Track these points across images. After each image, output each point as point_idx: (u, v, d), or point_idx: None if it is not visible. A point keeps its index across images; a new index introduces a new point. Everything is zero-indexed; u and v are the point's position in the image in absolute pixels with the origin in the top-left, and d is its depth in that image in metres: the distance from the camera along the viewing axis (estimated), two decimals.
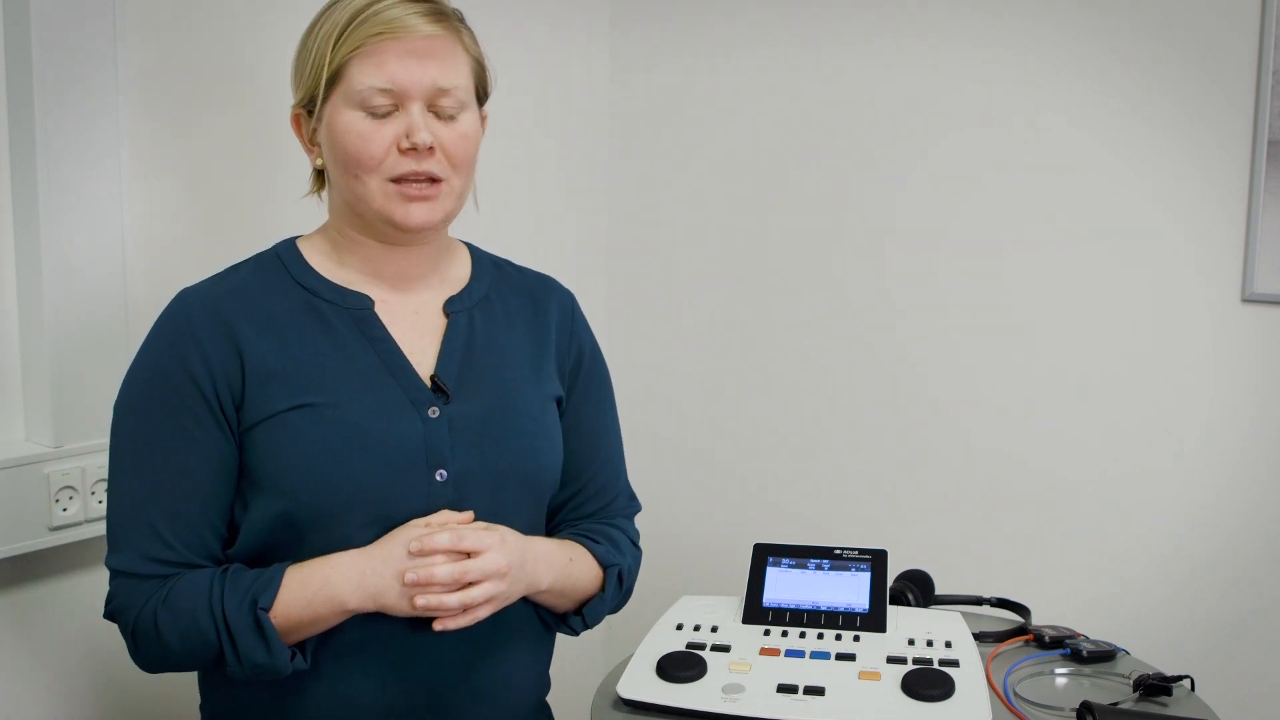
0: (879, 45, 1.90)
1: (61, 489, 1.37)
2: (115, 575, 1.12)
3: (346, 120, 1.11)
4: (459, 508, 1.14)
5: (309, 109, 1.15)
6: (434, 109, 1.13)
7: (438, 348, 1.19)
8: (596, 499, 1.31)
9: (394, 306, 1.19)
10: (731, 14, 2.03)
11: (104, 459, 1.39)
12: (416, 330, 1.19)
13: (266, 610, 1.06)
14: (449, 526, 1.10)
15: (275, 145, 1.52)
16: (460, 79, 1.14)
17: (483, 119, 1.22)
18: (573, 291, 1.35)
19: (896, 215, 1.92)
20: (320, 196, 1.23)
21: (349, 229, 1.18)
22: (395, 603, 1.08)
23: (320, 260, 1.19)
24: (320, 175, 1.20)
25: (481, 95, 1.21)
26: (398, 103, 1.11)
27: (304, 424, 1.10)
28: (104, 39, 1.36)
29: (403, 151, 1.11)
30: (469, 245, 1.30)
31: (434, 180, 1.13)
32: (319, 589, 1.07)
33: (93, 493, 1.39)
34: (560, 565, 1.20)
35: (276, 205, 1.50)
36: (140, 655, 1.12)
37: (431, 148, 1.12)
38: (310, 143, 1.18)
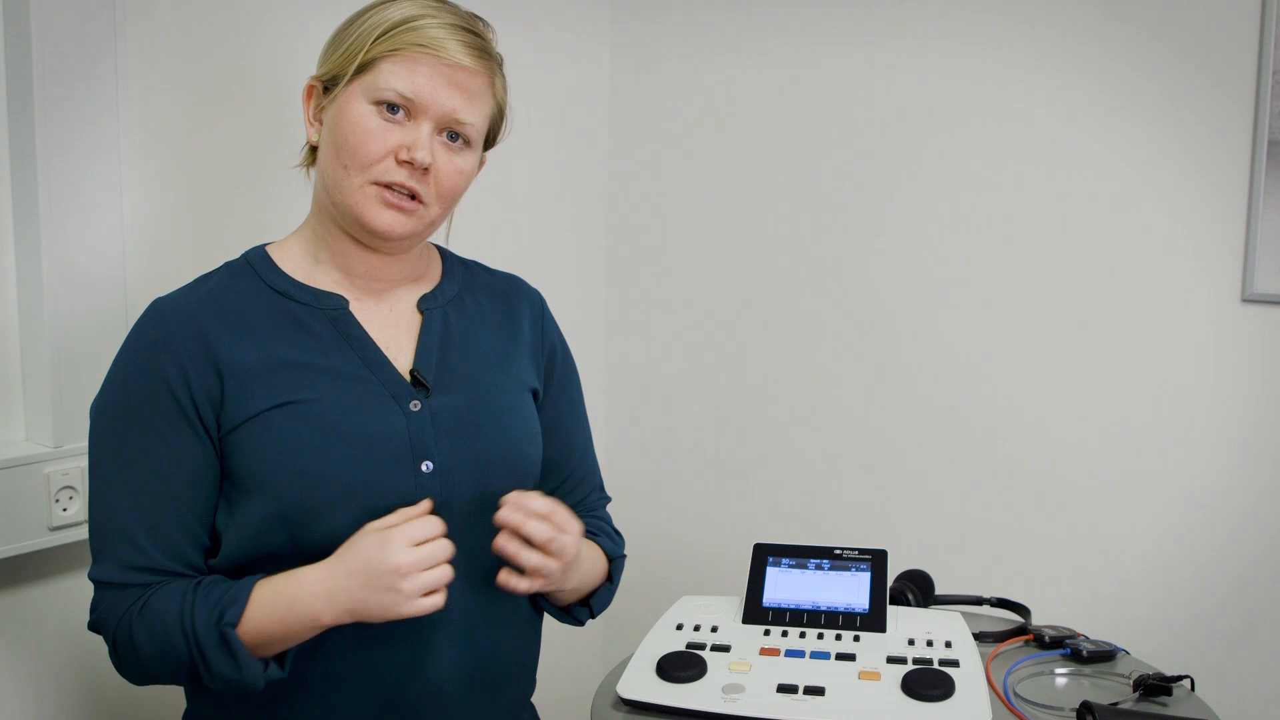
0: (878, 45, 1.90)
1: (61, 489, 1.37)
2: (98, 586, 1.11)
3: (359, 111, 1.12)
4: (446, 498, 1.14)
5: (327, 85, 1.16)
6: (442, 135, 1.15)
7: (414, 343, 1.20)
8: (576, 491, 1.34)
9: (368, 305, 1.20)
10: (731, 14, 2.03)
11: None
12: (392, 327, 1.20)
13: (233, 626, 1.05)
14: (543, 497, 1.13)
15: (275, 145, 1.52)
16: (478, 118, 1.16)
17: (481, 163, 1.23)
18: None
19: (897, 216, 1.92)
20: (309, 174, 1.22)
21: (326, 219, 1.19)
22: (365, 611, 1.06)
23: (292, 264, 1.20)
24: (313, 152, 1.20)
25: (490, 139, 1.22)
26: (412, 114, 1.12)
27: (287, 421, 1.10)
28: (104, 39, 1.36)
29: (399, 162, 1.12)
30: (439, 248, 1.32)
31: (415, 197, 1.14)
32: (288, 608, 1.06)
33: None
34: (587, 569, 1.24)
35: (276, 205, 1.50)
36: (122, 667, 1.11)
37: (427, 169, 1.13)
38: (315, 118, 1.18)
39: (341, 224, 1.17)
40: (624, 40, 2.16)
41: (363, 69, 1.12)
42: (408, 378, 1.17)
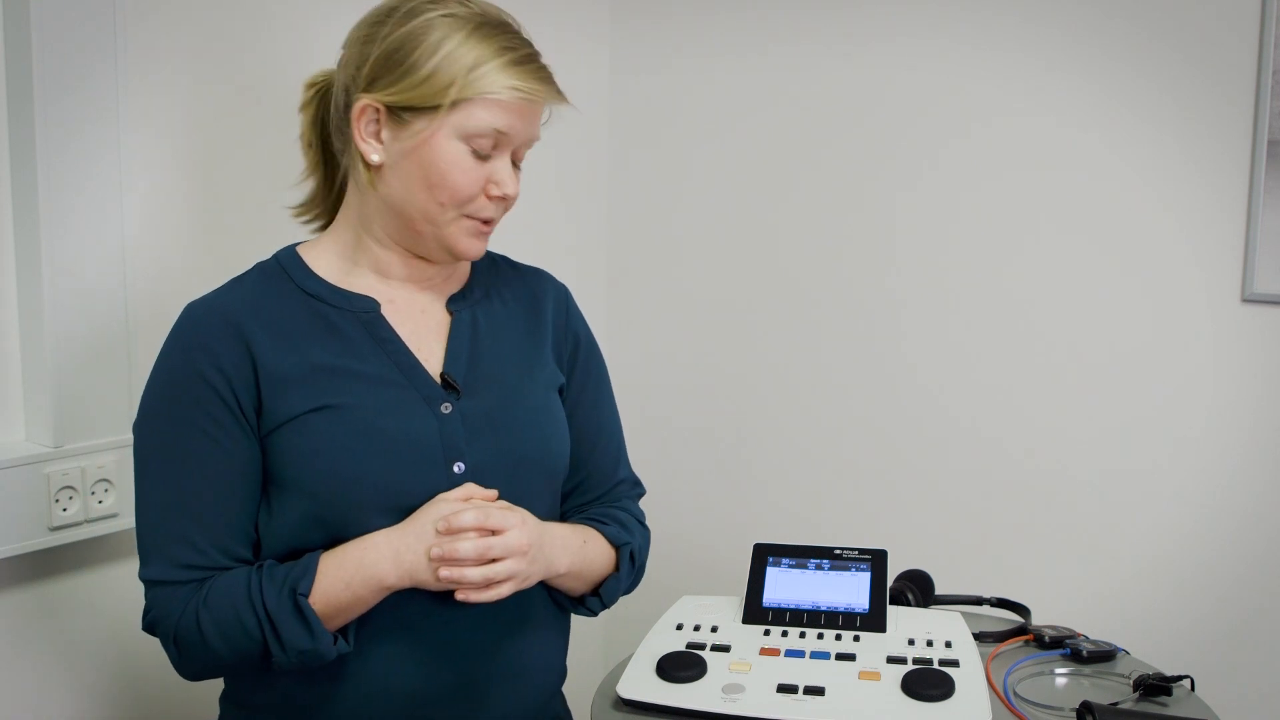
0: (879, 46, 1.90)
1: (61, 489, 1.37)
2: (150, 586, 1.13)
3: (453, 152, 1.13)
4: None
5: (396, 109, 1.12)
6: (514, 157, 1.19)
7: (444, 345, 1.21)
8: (602, 483, 1.33)
9: (400, 306, 1.21)
10: (732, 14, 2.03)
11: (104, 459, 1.39)
12: (423, 329, 1.21)
13: (306, 595, 1.08)
14: (474, 503, 1.13)
15: (277, 146, 1.52)
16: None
17: None
18: (572, 289, 1.36)
19: (896, 215, 1.92)
20: (371, 188, 1.17)
21: (375, 228, 1.19)
22: (426, 577, 1.10)
23: (325, 265, 1.20)
24: (368, 168, 1.16)
25: None
26: (498, 146, 1.15)
27: (324, 425, 1.12)
28: (104, 38, 1.36)
29: (490, 197, 1.16)
30: None
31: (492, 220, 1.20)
32: (355, 570, 1.09)
33: (92, 493, 1.39)
34: (575, 548, 1.22)
35: (278, 206, 1.50)
36: (184, 663, 1.13)
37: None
38: (373, 137, 1.14)
39: (406, 239, 1.18)
40: (624, 40, 2.15)
41: (452, 105, 1.12)
42: (438, 380, 1.18)
